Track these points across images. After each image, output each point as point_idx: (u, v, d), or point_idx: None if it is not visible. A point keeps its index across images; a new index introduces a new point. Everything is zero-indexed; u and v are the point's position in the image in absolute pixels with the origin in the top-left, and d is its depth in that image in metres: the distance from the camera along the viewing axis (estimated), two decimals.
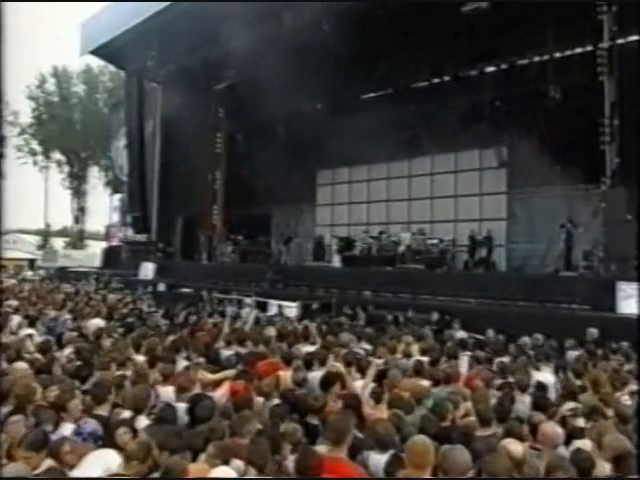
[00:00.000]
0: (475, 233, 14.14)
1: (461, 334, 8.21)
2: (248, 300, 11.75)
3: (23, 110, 40.10)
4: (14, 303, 9.88)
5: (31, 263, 28.73)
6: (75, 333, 6.19)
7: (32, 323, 7.45)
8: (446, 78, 15.90)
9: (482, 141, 14.87)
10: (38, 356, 4.76)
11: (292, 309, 10.71)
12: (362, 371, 4.71)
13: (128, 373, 4.37)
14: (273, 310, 11.05)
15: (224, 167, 20.03)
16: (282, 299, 11.70)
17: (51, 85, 40.42)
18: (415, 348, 6.02)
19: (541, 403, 3.52)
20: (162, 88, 20.03)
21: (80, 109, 40.07)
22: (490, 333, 7.68)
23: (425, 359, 5.36)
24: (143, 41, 16.56)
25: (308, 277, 14.14)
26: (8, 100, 39.62)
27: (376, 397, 3.88)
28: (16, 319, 7.89)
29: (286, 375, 4.58)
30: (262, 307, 11.59)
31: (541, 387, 4.20)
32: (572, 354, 5.93)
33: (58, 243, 41.22)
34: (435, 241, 14.55)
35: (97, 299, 10.88)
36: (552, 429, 2.93)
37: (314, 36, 14.27)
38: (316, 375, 4.66)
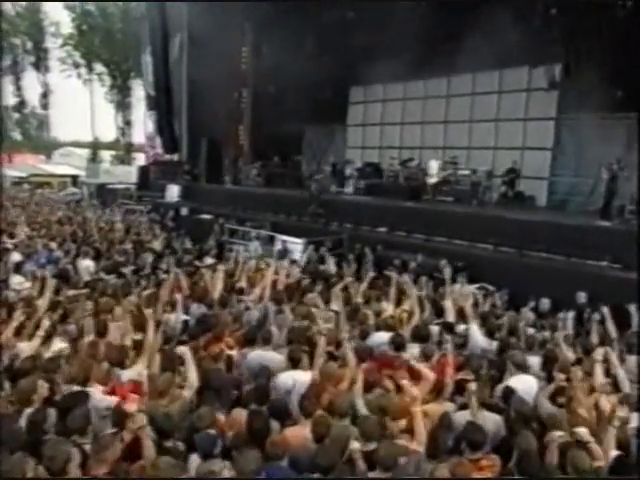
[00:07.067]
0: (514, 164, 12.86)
1: (468, 289, 7.48)
2: (253, 233, 11.36)
3: (63, 21, 39.45)
4: (24, 231, 9.96)
5: (74, 180, 29.59)
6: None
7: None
8: None
9: (532, 57, 12.89)
10: None
11: (297, 246, 10.24)
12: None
13: None
14: (279, 246, 10.63)
15: (251, 84, 18.90)
16: (318, 235, 10.91)
17: None
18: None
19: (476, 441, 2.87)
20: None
21: (119, 19, 38.80)
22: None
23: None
24: None
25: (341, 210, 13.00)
26: (47, 10, 38.98)
27: (305, 411, 3.29)
28: (15, 257, 7.92)
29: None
30: (271, 241, 11.22)
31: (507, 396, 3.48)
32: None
33: (107, 157, 42.16)
34: (467, 172, 13.31)
35: (105, 229, 10.83)
36: None
37: None
38: (261, 355, 4.24)
